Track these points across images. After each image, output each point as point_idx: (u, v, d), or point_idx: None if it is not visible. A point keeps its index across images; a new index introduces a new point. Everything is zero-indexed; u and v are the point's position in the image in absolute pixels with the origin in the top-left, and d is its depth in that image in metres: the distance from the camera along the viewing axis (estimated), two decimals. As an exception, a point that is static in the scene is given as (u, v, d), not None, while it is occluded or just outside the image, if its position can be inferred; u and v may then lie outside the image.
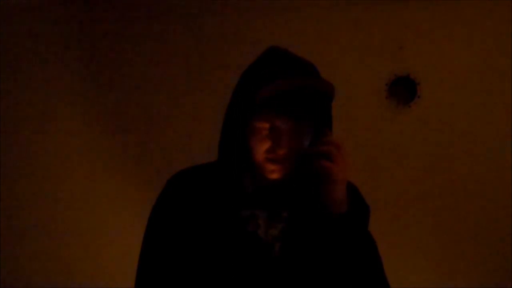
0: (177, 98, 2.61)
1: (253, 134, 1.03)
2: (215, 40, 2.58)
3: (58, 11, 2.64)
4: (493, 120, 2.42)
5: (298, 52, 1.11)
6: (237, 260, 1.04)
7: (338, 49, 2.50)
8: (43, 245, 2.62)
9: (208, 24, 2.59)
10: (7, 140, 2.62)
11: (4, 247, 2.59)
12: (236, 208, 1.07)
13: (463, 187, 2.44)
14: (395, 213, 2.46)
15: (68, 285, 2.57)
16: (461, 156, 2.44)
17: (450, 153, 2.45)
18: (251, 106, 1.02)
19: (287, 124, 1.02)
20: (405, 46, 2.47)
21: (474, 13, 2.42)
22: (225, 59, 2.53)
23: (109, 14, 2.63)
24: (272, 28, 2.53)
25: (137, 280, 1.10)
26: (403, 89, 2.49)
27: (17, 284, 2.60)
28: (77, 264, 2.63)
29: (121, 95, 2.64)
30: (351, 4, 2.49)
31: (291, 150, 1.03)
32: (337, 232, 1.00)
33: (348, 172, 1.02)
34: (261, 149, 1.03)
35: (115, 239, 2.59)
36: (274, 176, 1.05)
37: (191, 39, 2.60)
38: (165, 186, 1.13)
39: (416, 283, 2.39)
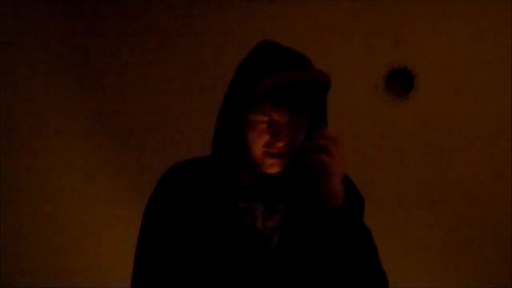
0: (173, 94, 2.60)
1: (250, 128, 1.03)
2: (212, 35, 2.57)
3: (53, 9, 2.63)
4: (490, 112, 2.43)
5: (295, 45, 1.10)
6: (235, 252, 1.05)
7: (335, 41, 2.50)
8: (41, 245, 2.63)
9: (204, 18, 2.57)
10: (6, 141, 2.62)
11: (4, 247, 2.60)
12: (233, 200, 1.07)
13: (460, 180, 2.45)
14: (392, 206, 2.47)
15: (66, 285, 2.58)
16: (458, 149, 2.44)
17: (447, 146, 2.46)
18: (248, 100, 1.01)
19: (285, 116, 1.02)
20: (402, 38, 2.47)
21: (471, 5, 2.42)
22: (221, 54, 2.52)
23: (105, 13, 2.62)
24: (269, 21, 2.52)
25: (134, 276, 1.10)
26: (400, 82, 2.49)
27: (17, 284, 2.61)
28: (74, 263, 2.63)
29: (117, 92, 2.64)
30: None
31: (289, 143, 1.03)
32: (333, 224, 1.01)
33: (344, 166, 1.03)
34: (259, 143, 1.03)
35: (112, 235, 2.59)
36: (273, 170, 1.05)
37: (188, 36, 2.59)
38: (160, 179, 1.13)
39: (414, 281, 2.40)
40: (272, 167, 1.04)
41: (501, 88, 2.41)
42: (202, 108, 2.38)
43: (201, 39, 2.57)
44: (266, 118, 1.03)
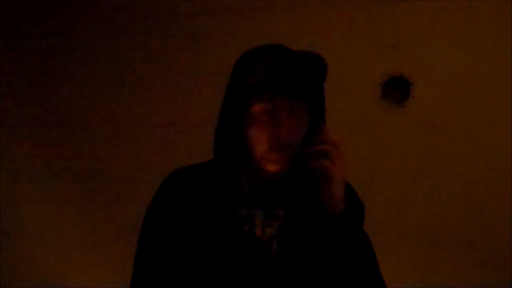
0: (172, 104, 2.60)
1: (252, 123, 1.02)
2: (211, 40, 2.57)
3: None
4: (486, 119, 2.44)
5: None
6: (234, 259, 1.04)
7: (332, 48, 2.49)
8: (39, 247, 2.63)
9: (204, 23, 2.58)
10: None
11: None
12: (233, 207, 1.06)
13: (457, 186, 2.46)
14: (388, 212, 2.47)
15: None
16: (455, 156, 2.45)
17: (443, 153, 2.46)
18: (245, 91, 1.01)
19: (285, 103, 1.01)
20: (398, 45, 2.48)
21: (468, 13, 2.44)
22: (220, 59, 2.51)
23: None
24: (266, 27, 2.52)
25: (133, 280, 1.10)
26: (396, 89, 2.50)
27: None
28: (72, 265, 2.62)
29: (118, 95, 2.64)
30: (344, 4, 2.49)
31: (292, 135, 1.01)
32: (333, 231, 1.00)
33: (345, 171, 1.02)
34: (262, 136, 1.02)
35: (112, 238, 2.58)
36: (275, 167, 1.03)
37: (186, 40, 2.59)
38: (161, 184, 1.12)
39: (412, 283, 2.39)
40: (275, 163, 1.02)
41: (498, 95, 2.42)
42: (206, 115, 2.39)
43: (202, 44, 2.58)
44: (266, 106, 1.01)
